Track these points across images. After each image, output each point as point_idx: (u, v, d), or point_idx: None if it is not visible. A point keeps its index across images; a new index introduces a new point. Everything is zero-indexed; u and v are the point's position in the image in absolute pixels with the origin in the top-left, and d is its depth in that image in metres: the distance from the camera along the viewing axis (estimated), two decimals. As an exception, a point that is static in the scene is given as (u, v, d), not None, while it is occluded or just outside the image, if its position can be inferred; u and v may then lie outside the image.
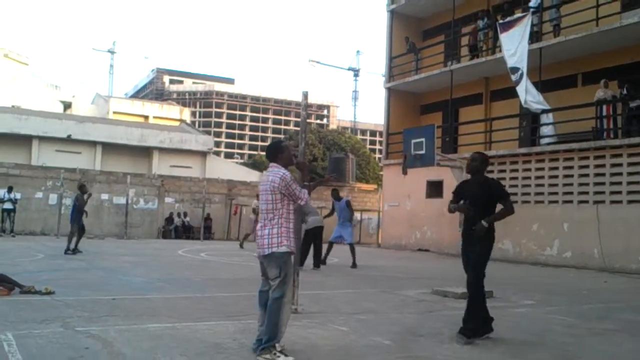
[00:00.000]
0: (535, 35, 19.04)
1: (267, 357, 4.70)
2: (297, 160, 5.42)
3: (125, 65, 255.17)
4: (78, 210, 15.42)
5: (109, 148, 39.02)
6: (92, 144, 38.78)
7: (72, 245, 14.96)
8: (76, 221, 15.31)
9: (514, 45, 18.16)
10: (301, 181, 5.44)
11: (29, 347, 4.82)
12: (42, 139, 36.89)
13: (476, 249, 5.94)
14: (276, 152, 5.19)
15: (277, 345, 4.78)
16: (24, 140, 36.09)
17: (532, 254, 17.99)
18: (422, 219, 21.90)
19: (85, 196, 15.81)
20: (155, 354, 4.77)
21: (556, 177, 17.74)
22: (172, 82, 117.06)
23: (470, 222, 6.04)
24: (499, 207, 6.05)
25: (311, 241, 13.39)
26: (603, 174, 16.56)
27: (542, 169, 18.21)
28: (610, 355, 5.51)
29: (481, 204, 5.99)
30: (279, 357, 4.69)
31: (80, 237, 15.47)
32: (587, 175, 16.94)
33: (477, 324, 5.79)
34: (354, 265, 14.09)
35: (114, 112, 56.94)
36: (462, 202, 6.22)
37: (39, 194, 25.10)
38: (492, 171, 19.76)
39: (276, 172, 5.02)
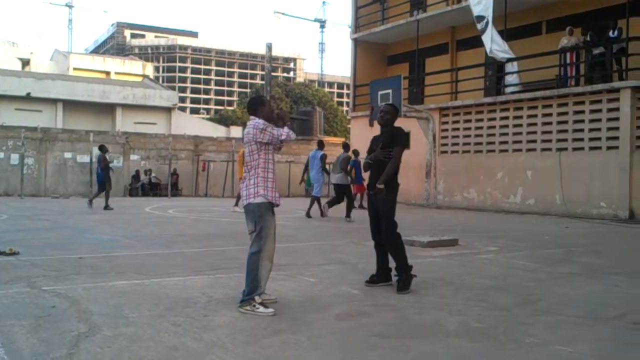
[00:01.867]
0: (500, -17, 18.95)
1: (247, 308, 4.77)
2: (277, 112, 5.27)
3: (85, 20, 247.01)
4: (103, 169, 16.93)
5: (71, 105, 38.14)
6: (53, 101, 37.86)
7: (109, 202, 16.83)
8: (106, 179, 16.93)
9: (480, -7, 18.09)
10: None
11: (-6, 307, 4.76)
12: (1, 97, 35.85)
13: (381, 205, 5.94)
14: (257, 106, 5.14)
15: (256, 297, 4.82)
16: (-19, 99, 35.05)
17: (496, 202, 18.35)
18: (389, 170, 22.07)
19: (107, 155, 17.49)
20: (123, 310, 4.76)
21: (520, 125, 17.97)
22: (133, 36, 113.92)
23: (375, 174, 6.00)
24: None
25: (340, 195, 14.65)
26: (566, 122, 16.83)
27: (507, 117, 18.42)
28: (570, 297, 5.69)
29: (383, 149, 5.94)
30: (258, 308, 4.75)
31: (108, 194, 17.15)
32: (550, 123, 17.19)
33: (408, 272, 5.83)
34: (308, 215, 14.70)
35: (74, 69, 55.39)
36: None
37: (0, 155, 24.50)
38: (457, 121, 19.94)
39: (251, 124, 5.01)
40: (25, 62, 55.48)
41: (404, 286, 5.73)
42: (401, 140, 6.08)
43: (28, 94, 36.56)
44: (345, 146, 15.74)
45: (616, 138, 15.65)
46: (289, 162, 27.59)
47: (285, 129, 4.99)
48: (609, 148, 15.83)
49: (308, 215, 14.67)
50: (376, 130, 6.32)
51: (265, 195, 4.93)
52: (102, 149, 17.38)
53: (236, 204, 16.29)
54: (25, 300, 5.06)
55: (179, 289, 5.66)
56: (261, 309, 4.75)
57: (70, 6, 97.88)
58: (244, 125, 55.15)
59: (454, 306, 5.15)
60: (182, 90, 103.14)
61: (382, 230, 5.95)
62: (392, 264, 5.96)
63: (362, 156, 17.43)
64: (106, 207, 16.60)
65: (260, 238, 4.90)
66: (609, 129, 15.84)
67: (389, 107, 6.30)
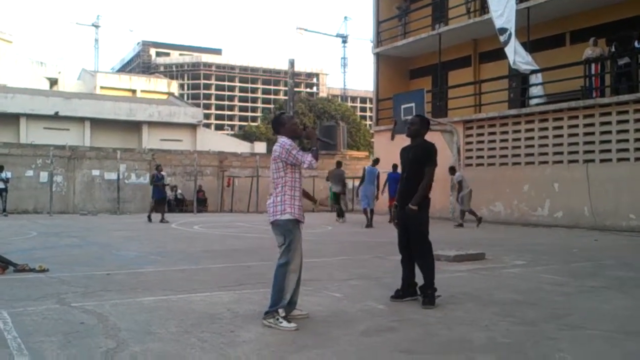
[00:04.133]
0: (522, -5, 18.90)
1: (270, 321, 4.81)
2: (305, 128, 5.35)
3: (111, 39, 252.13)
4: (157, 186, 18.79)
5: (98, 124, 38.75)
6: (80, 120, 38.49)
7: (164, 216, 18.58)
8: (160, 195, 18.91)
9: (502, 5, 18.06)
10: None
11: (24, 324, 4.84)
12: (30, 116, 36.58)
13: (414, 222, 5.86)
14: (277, 126, 5.27)
15: (280, 310, 4.85)
16: (11, 119, 35.80)
17: (523, 215, 18.13)
18: (414, 184, 21.94)
19: (163, 174, 19.41)
20: (150, 326, 4.81)
21: (546, 137, 17.78)
22: (158, 54, 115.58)
23: (404, 187, 5.99)
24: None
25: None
26: (592, 133, 16.61)
27: (532, 129, 18.24)
28: (599, 312, 5.59)
29: (414, 168, 5.91)
30: (281, 322, 4.77)
31: (164, 208, 19.16)
32: (576, 134, 16.99)
33: (433, 290, 5.79)
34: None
35: (101, 87, 56.36)
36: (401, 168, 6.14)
37: (30, 172, 24.95)
38: (482, 134, 19.81)
39: (278, 142, 5.11)
40: (53, 82, 56.58)
41: (430, 301, 5.69)
42: (433, 158, 5.95)
43: (56, 113, 37.23)
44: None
45: (644, 149, 15.39)
46: (312, 176, 27.63)
47: (309, 157, 5.02)
48: (637, 159, 15.57)
49: (371, 225, 16.52)
50: (399, 143, 6.29)
51: (292, 212, 5.04)
52: (158, 168, 19.48)
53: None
54: (54, 316, 5.14)
55: (205, 304, 5.70)
56: (284, 323, 4.77)
57: (96, 26, 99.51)
58: (268, 141, 55.48)
59: (481, 321, 5.09)
60: (207, 107, 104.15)
61: (414, 248, 5.90)
62: (417, 279, 5.92)
63: (382, 169, 17.73)
64: (162, 220, 18.24)
65: (289, 250, 4.99)
66: (636, 139, 15.59)
67: (415, 118, 6.27)
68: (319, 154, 5.11)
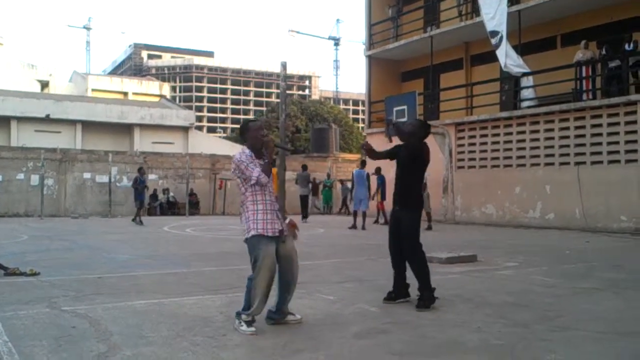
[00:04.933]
0: (513, -2, 19.02)
1: (236, 322, 4.87)
2: (264, 139, 4.98)
3: (102, 42, 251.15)
4: (137, 188, 19.25)
5: (89, 126, 38.57)
6: (72, 122, 38.30)
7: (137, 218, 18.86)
8: (142, 197, 19.44)
9: (493, 8, 18.14)
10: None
11: (15, 328, 4.81)
12: (21, 119, 36.37)
13: (405, 223, 5.90)
14: (242, 132, 5.13)
15: (244, 315, 4.83)
16: (2, 122, 35.60)
17: (515, 217, 18.20)
18: (406, 186, 21.97)
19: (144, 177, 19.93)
20: (142, 329, 4.79)
21: (537, 139, 17.86)
22: (150, 57, 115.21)
23: (395, 193, 6.04)
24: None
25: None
26: (583, 135, 16.70)
27: (524, 132, 18.32)
28: (591, 313, 5.61)
29: (406, 164, 5.98)
30: (242, 325, 4.79)
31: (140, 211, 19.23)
32: (567, 137, 17.08)
33: (431, 292, 5.80)
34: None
35: (93, 90, 56.17)
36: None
37: (21, 175, 24.81)
38: (474, 136, 19.88)
39: (236, 155, 4.96)
40: (45, 84, 56.32)
41: (425, 304, 5.68)
42: (421, 156, 6.02)
43: (47, 115, 37.05)
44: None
45: (635, 151, 15.48)
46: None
47: (256, 172, 4.82)
48: (628, 161, 15.66)
49: (356, 227, 16.79)
50: (393, 145, 6.35)
51: (255, 228, 4.86)
52: (140, 171, 19.80)
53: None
54: (45, 320, 5.11)
55: (197, 308, 5.68)
56: (244, 327, 4.78)
57: (88, 28, 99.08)
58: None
59: (474, 323, 5.10)
60: (199, 109, 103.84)
61: (405, 249, 5.91)
62: (410, 280, 5.93)
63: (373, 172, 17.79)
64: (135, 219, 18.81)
65: (255, 267, 4.86)
66: (627, 142, 15.69)
67: (415, 120, 6.39)
68: (270, 167, 4.86)
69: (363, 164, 18.12)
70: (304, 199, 21.13)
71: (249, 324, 4.80)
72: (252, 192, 4.92)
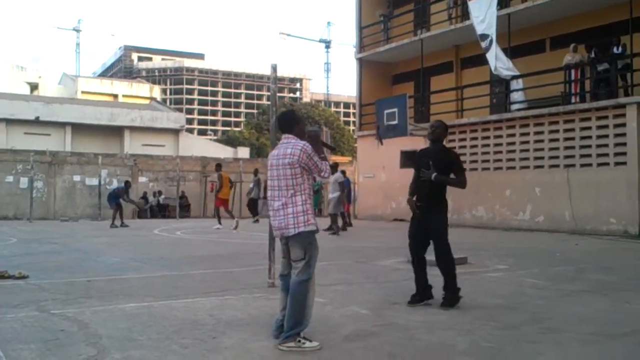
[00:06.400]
0: (503, 1, 19.08)
1: (291, 345, 4.33)
2: (311, 132, 4.88)
3: (92, 44, 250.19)
4: (117, 196, 19.78)
5: (79, 129, 38.44)
6: (61, 125, 38.17)
7: (117, 222, 19.16)
8: (113, 200, 19.71)
9: (483, 11, 18.22)
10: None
11: (3, 331, 4.78)
12: (10, 121, 36.19)
13: (435, 225, 6.00)
14: (292, 123, 4.70)
15: (300, 333, 4.40)
16: (-9, 124, 35.39)
17: (505, 220, 18.26)
18: (397, 189, 21.92)
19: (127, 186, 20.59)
20: (132, 332, 4.77)
21: (527, 142, 17.93)
22: (140, 59, 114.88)
23: (424, 193, 6.11)
24: None
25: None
26: (573, 138, 16.79)
27: (514, 135, 18.38)
28: (580, 315, 5.64)
29: (440, 170, 6.05)
30: (304, 343, 4.33)
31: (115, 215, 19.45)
32: (557, 139, 17.16)
33: (456, 293, 5.92)
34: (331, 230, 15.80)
35: (83, 92, 55.98)
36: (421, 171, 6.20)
37: (10, 178, 24.69)
38: (464, 139, 19.94)
39: (295, 144, 4.53)
40: (34, 86, 56.06)
41: (450, 304, 5.81)
42: (461, 165, 6.49)
43: (37, 117, 36.88)
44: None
45: (624, 154, 15.58)
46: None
47: (326, 166, 4.67)
48: (617, 164, 15.76)
49: (344, 229, 16.46)
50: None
51: (315, 223, 4.61)
52: (127, 184, 20.60)
53: (220, 223, 18.11)
54: (34, 324, 5.07)
55: (187, 311, 5.66)
56: (307, 344, 4.33)
57: (78, 30, 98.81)
58: (251, 146, 55.27)
59: (463, 325, 5.12)
60: (190, 112, 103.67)
61: (436, 249, 6.00)
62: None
63: (366, 174, 17.72)
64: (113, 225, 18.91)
65: (309, 266, 4.59)
66: (616, 144, 15.78)
67: (438, 122, 6.48)
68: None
69: (334, 167, 16.79)
70: (252, 202, 21.71)
71: (308, 338, 4.41)
72: (309, 185, 4.63)
